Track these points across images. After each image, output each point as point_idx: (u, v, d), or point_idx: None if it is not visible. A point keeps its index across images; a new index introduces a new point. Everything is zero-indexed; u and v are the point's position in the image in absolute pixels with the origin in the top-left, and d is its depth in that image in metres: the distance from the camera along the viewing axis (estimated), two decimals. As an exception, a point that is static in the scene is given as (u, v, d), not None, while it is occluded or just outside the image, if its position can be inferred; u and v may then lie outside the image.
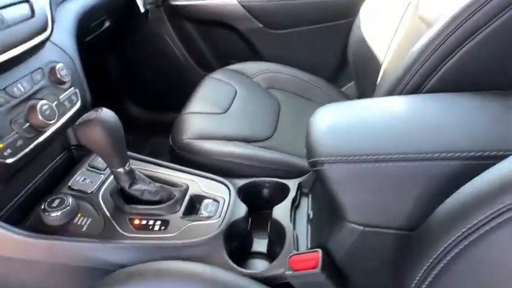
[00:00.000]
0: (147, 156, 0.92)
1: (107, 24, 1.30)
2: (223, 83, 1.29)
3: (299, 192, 0.81)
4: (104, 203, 0.79)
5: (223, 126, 1.07)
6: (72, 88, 0.84)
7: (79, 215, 0.76)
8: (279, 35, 1.49)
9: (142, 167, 0.88)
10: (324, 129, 0.59)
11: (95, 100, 0.93)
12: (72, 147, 0.95)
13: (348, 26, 1.36)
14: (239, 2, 1.47)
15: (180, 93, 1.25)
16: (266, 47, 1.52)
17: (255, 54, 1.54)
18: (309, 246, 0.68)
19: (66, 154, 0.94)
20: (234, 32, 1.52)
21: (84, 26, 1.05)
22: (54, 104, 0.77)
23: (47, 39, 0.78)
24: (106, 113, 0.70)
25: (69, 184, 0.83)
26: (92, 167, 0.88)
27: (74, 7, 0.97)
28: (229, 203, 0.79)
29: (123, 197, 0.80)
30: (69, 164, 0.93)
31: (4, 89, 0.68)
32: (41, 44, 0.77)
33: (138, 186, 0.78)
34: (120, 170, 0.75)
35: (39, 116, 0.72)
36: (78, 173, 0.86)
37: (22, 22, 0.70)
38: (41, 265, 0.72)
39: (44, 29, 0.76)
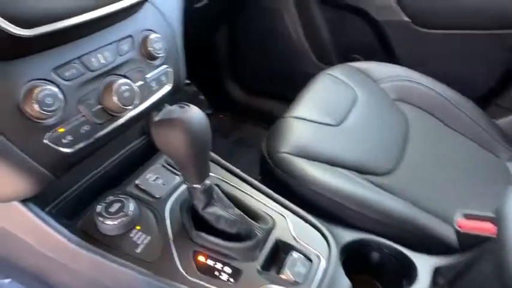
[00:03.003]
0: (232, 166, 0.73)
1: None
2: (343, 83, 1.03)
3: (431, 281, 0.55)
4: (170, 217, 0.63)
5: (333, 144, 0.83)
6: (165, 66, 0.68)
7: (138, 227, 0.61)
8: (425, 35, 1.17)
9: (223, 175, 0.70)
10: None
11: (189, 73, 0.76)
12: (154, 132, 0.80)
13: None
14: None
15: (288, 83, 1.03)
16: (405, 47, 1.21)
17: (387, 54, 1.25)
18: None
19: (145, 140, 0.79)
20: (369, 22, 1.24)
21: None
22: (137, 85, 0.61)
23: None
24: (193, 114, 0.52)
25: (137, 182, 0.68)
26: (169, 165, 0.73)
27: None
28: (326, 269, 0.57)
29: (194, 217, 0.62)
30: (147, 152, 0.78)
31: (80, 57, 0.53)
32: (138, 5, 0.61)
33: (214, 210, 0.60)
34: (197, 186, 0.57)
35: (115, 99, 0.56)
36: (150, 169, 0.71)
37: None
38: (85, 276, 0.59)
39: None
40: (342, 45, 1.35)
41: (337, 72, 1.08)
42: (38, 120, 0.48)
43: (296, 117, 0.88)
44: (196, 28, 0.86)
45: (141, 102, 0.63)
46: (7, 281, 0.85)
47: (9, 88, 0.46)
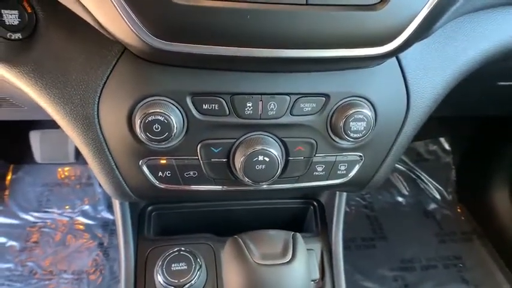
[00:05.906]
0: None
1: None
2: None
3: None
4: None
5: None
6: (355, 154, 0.45)
7: None
8: None
9: None
10: None
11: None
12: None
13: None
14: None
15: None
16: None
17: None
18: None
19: (300, 205, 0.61)
20: None
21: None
22: (292, 159, 0.42)
23: (388, 55, 0.36)
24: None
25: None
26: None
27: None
28: None
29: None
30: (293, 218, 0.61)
31: (232, 95, 0.38)
32: (367, 60, 0.39)
33: None
34: None
35: (239, 166, 0.40)
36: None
37: (359, 10, 0.32)
38: None
39: (393, 37, 0.35)
40: None
41: None
42: (142, 139, 0.38)
43: None
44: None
45: (282, 183, 0.44)
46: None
47: (129, 92, 0.37)
